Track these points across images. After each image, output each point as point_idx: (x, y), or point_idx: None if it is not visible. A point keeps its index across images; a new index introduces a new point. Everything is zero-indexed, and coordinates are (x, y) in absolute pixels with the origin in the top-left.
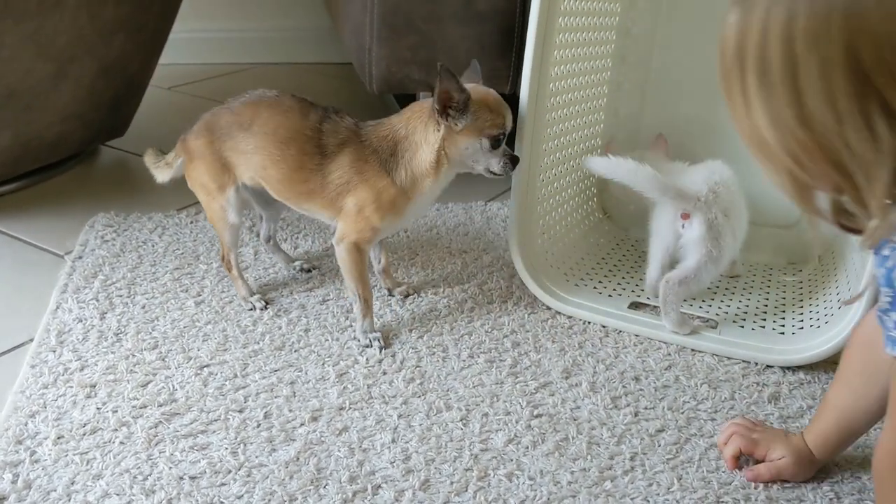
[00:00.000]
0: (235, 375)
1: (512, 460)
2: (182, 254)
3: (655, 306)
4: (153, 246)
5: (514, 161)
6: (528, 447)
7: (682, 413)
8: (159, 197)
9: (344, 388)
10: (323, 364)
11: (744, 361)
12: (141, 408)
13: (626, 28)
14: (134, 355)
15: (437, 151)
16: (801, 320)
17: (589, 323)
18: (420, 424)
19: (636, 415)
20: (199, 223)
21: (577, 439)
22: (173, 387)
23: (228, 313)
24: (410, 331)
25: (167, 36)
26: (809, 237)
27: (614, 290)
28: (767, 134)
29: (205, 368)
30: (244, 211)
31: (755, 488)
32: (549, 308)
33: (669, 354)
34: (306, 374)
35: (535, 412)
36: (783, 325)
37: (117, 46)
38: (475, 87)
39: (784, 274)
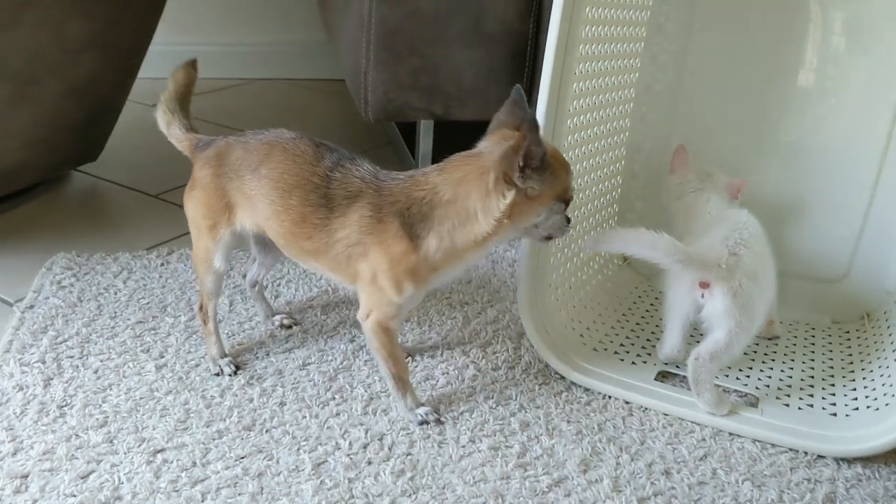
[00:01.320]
0: (194, 464)
1: None
2: (147, 304)
3: (686, 377)
4: (116, 293)
5: (568, 221)
6: None
7: None
8: (129, 231)
9: (321, 482)
10: (298, 449)
11: (791, 450)
12: None
13: (653, 55)
14: (78, 435)
15: (500, 221)
16: (856, 398)
17: (610, 398)
18: None
19: None
20: (171, 265)
21: None
22: (119, 479)
23: (193, 381)
24: (384, 396)
25: (144, 53)
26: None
27: (638, 355)
28: None
29: (158, 454)
30: (235, 252)
31: None
32: (563, 377)
33: (704, 440)
34: (278, 462)
35: None
36: (834, 404)
37: (86, 66)
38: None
39: (829, 335)
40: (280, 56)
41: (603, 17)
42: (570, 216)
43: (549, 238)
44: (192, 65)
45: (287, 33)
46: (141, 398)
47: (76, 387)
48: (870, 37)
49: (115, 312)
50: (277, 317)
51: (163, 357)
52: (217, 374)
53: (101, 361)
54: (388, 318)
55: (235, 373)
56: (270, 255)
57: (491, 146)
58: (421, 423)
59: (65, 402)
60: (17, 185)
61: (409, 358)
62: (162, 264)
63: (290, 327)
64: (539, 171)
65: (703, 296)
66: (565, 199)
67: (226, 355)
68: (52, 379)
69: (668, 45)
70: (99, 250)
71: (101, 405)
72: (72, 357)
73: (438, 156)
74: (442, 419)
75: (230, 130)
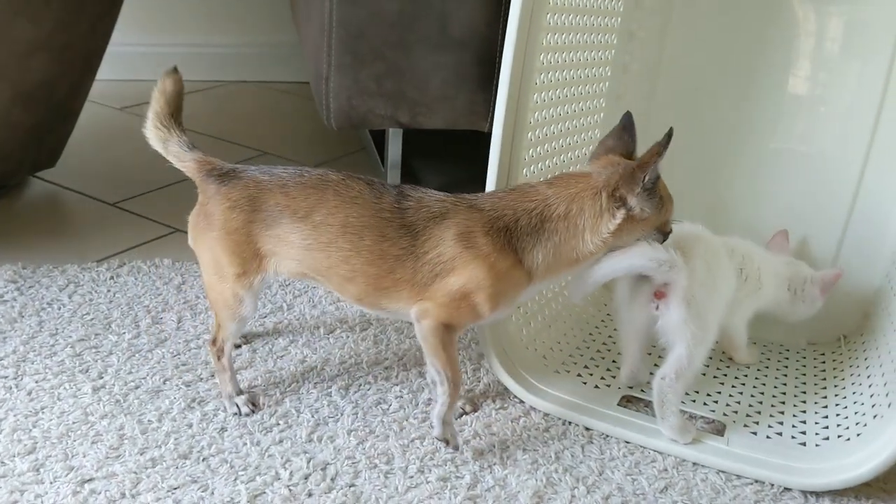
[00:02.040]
0: (123, 495)
1: None
2: (91, 319)
3: (650, 402)
4: (59, 308)
5: None
6: None
7: None
8: (82, 242)
9: None
10: (235, 480)
11: (757, 482)
12: None
13: (624, 64)
14: (3, 463)
15: (605, 240)
16: (827, 426)
17: (570, 423)
18: None
19: None
20: (120, 279)
21: None
22: None
23: (131, 404)
24: (350, 433)
25: (102, 55)
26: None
27: (602, 378)
28: None
29: (86, 484)
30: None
31: None
32: (522, 402)
33: (666, 470)
34: (212, 494)
35: None
36: (804, 433)
37: (37, 69)
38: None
39: (803, 357)
40: (253, 58)
41: (566, 23)
42: None
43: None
44: (176, 71)
45: (259, 35)
46: (74, 422)
47: (7, 409)
48: (858, 42)
49: (57, 329)
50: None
51: (101, 378)
52: (235, 414)
53: (36, 382)
54: (460, 326)
55: (253, 412)
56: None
57: (599, 169)
58: (444, 441)
59: None
60: None
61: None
62: (111, 277)
63: (238, 346)
64: (651, 194)
65: (657, 307)
66: (664, 232)
67: (241, 392)
68: None
69: (639, 54)
70: (48, 261)
71: (30, 430)
72: (6, 377)
73: (408, 165)
74: (456, 448)
75: (202, 135)
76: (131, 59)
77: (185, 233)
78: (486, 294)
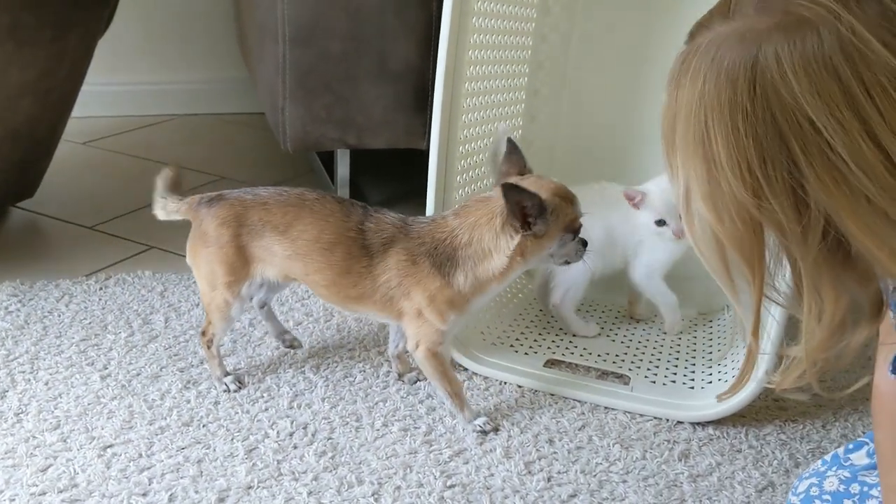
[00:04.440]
0: (140, 455)
1: None
2: (89, 323)
3: (570, 363)
4: (59, 316)
5: (584, 244)
6: None
7: (595, 476)
8: (68, 261)
9: (253, 464)
10: (232, 439)
11: (655, 418)
12: (40, 495)
13: (535, 89)
14: (35, 437)
15: (511, 258)
16: (711, 374)
17: (505, 383)
18: (331, 501)
19: (549, 480)
20: (109, 289)
21: None
22: (74, 470)
23: (135, 387)
24: (323, 400)
25: (76, 95)
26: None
27: (530, 347)
28: (703, 208)
29: (108, 449)
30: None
31: None
32: (465, 369)
33: (583, 413)
34: (214, 451)
35: (449, 482)
36: (693, 380)
37: (24, 111)
38: (536, 181)
39: (695, 324)
40: (205, 93)
41: (486, 57)
42: (582, 238)
43: (567, 262)
44: (177, 168)
45: (211, 71)
46: (89, 404)
47: (30, 397)
48: None
49: (60, 332)
50: (287, 336)
51: (106, 368)
52: (224, 391)
53: (51, 374)
54: (435, 346)
55: (240, 388)
56: (276, 289)
57: (499, 192)
58: (480, 433)
59: (20, 410)
60: None
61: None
62: (101, 289)
63: (296, 347)
64: (539, 215)
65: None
66: (573, 230)
67: (228, 374)
68: (7, 391)
69: (548, 80)
70: (42, 278)
71: (53, 411)
72: (23, 372)
73: (357, 182)
74: (498, 427)
75: (162, 163)
76: (88, 97)
77: (161, 249)
78: (429, 311)
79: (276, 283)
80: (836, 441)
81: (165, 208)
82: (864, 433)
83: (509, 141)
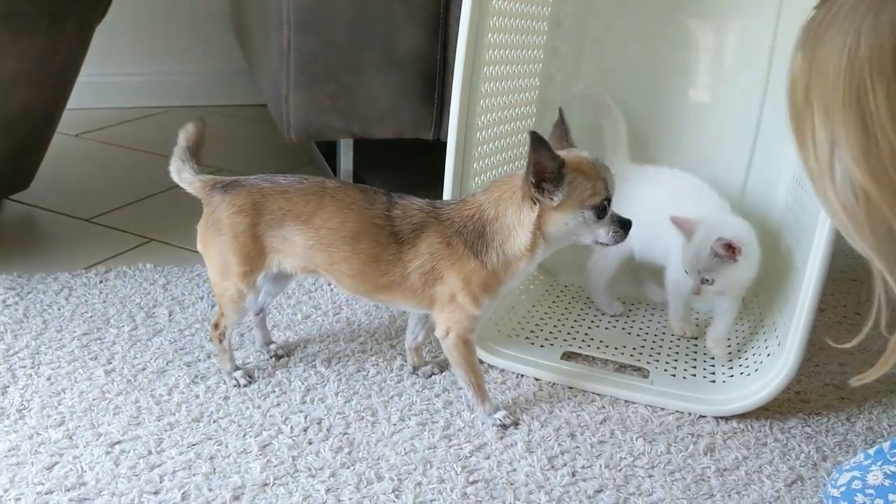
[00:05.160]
0: (150, 452)
1: None
2: (91, 317)
3: (587, 356)
4: (59, 309)
5: (624, 226)
6: None
7: (620, 471)
8: (66, 254)
9: (267, 461)
10: (244, 435)
11: (677, 412)
12: (46, 493)
13: (550, 74)
14: (38, 434)
15: (534, 232)
16: (731, 368)
17: (522, 376)
18: (350, 498)
19: (573, 475)
20: (109, 282)
21: None
22: (82, 468)
23: (141, 382)
24: (337, 394)
25: (72, 85)
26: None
27: (546, 339)
28: (857, 173)
29: (116, 446)
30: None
31: None
32: (481, 362)
33: (604, 407)
34: (226, 447)
35: (471, 478)
36: (713, 373)
37: (18, 100)
38: (566, 154)
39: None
40: (199, 84)
41: (505, 41)
42: (625, 219)
43: (604, 244)
44: (201, 120)
45: (205, 62)
46: (94, 399)
47: (32, 392)
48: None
49: (61, 326)
50: (273, 346)
51: (110, 363)
52: (234, 385)
53: (53, 370)
54: (467, 332)
55: (250, 383)
56: (278, 286)
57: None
58: (500, 426)
59: (23, 406)
60: None
61: (441, 371)
62: (101, 281)
63: (281, 357)
64: (556, 182)
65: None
66: (593, 206)
67: (238, 368)
68: (8, 387)
69: (562, 65)
70: (40, 271)
71: (57, 407)
72: (24, 367)
73: (359, 172)
74: (518, 421)
75: (158, 156)
76: (81, 88)
77: (161, 242)
78: (464, 295)
79: (289, 274)
80: (861, 434)
81: (180, 174)
82: (889, 426)
83: (559, 111)
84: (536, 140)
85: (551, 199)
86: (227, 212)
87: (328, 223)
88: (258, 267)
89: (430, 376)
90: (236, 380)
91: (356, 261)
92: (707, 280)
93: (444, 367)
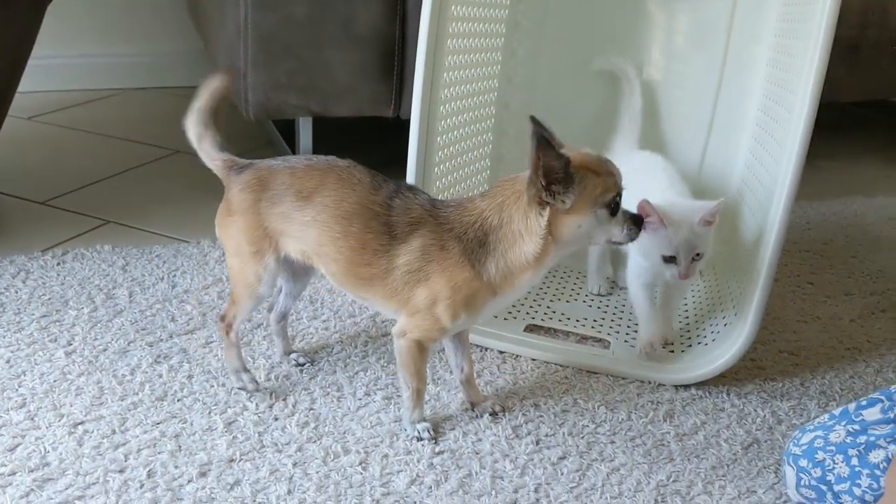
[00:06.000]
0: (113, 432)
1: (415, 502)
2: (49, 299)
3: (550, 328)
4: (17, 292)
5: (637, 222)
6: (431, 487)
7: (583, 438)
8: (22, 237)
9: (233, 437)
10: (209, 413)
11: (638, 381)
12: (10, 475)
13: (512, 48)
14: (0, 416)
15: (544, 239)
16: (689, 338)
17: (486, 349)
18: (317, 472)
19: (538, 443)
20: (67, 264)
21: (481, 474)
22: (45, 449)
23: (103, 363)
24: (302, 371)
25: (25, 64)
26: None
27: (509, 313)
28: None
29: (79, 426)
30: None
31: None
32: None
33: (567, 378)
34: (192, 425)
35: (437, 449)
36: (672, 343)
37: None
38: (567, 152)
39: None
40: (154, 65)
41: (467, 14)
42: (635, 214)
43: (617, 243)
44: (228, 76)
45: (160, 43)
46: (55, 381)
47: None
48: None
49: (19, 309)
50: (294, 354)
51: (71, 345)
52: (240, 388)
53: (12, 352)
54: (429, 341)
55: (257, 389)
56: (299, 283)
57: (525, 173)
58: (415, 438)
59: None
60: None
61: (503, 412)
62: (58, 264)
63: (303, 365)
64: (565, 182)
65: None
66: (606, 204)
67: (246, 370)
68: None
69: (525, 39)
70: None
71: (17, 389)
72: None
73: (319, 153)
74: (437, 440)
75: (113, 138)
76: (33, 71)
77: (118, 223)
78: (444, 305)
79: (299, 265)
80: (815, 398)
81: (200, 142)
82: (841, 390)
83: (532, 119)
84: (540, 139)
85: (563, 201)
86: (235, 189)
87: (325, 199)
88: (266, 248)
89: (495, 415)
90: (243, 381)
91: (344, 244)
92: (698, 256)
93: (505, 407)
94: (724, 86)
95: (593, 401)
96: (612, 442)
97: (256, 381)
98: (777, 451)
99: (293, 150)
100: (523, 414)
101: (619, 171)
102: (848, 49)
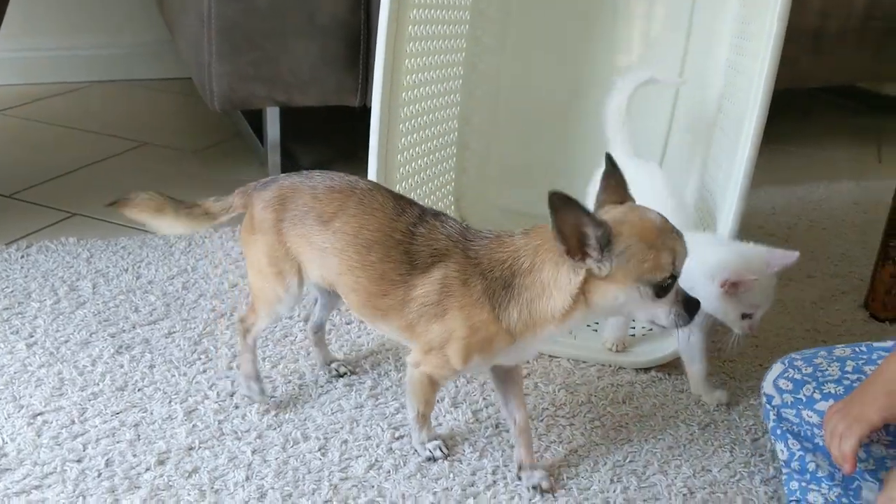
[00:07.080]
0: (73, 422)
1: (373, 487)
2: (11, 292)
3: None
4: None
5: (690, 308)
6: (389, 471)
7: (542, 420)
8: None
9: (193, 426)
10: (170, 402)
11: (599, 364)
12: None
13: (477, 37)
14: None
15: (575, 297)
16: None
17: None
18: (276, 458)
19: (497, 426)
20: (31, 257)
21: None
22: (3, 439)
23: (64, 354)
24: (264, 359)
25: None
26: None
27: None
28: None
29: (38, 417)
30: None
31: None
32: None
33: (528, 363)
34: (152, 414)
35: (396, 434)
36: (633, 328)
37: None
38: (627, 211)
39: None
40: (121, 58)
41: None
42: (691, 298)
43: (661, 326)
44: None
45: (126, 35)
46: (15, 373)
47: None
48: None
49: None
50: (335, 364)
51: (32, 336)
52: (246, 396)
53: None
54: (440, 378)
55: (266, 400)
56: (335, 295)
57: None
58: (427, 459)
59: None
60: None
61: (552, 492)
62: (22, 256)
63: (343, 374)
64: (607, 249)
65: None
66: (654, 284)
67: (258, 379)
68: None
69: (489, 27)
70: None
71: None
72: None
73: (287, 144)
74: (448, 456)
75: (82, 131)
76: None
77: (84, 216)
78: (458, 345)
79: (326, 291)
80: None
81: (215, 226)
82: None
83: (608, 158)
84: (560, 201)
85: (599, 267)
86: (257, 207)
87: (346, 226)
88: (287, 269)
89: (541, 492)
90: (252, 391)
91: (362, 273)
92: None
93: (554, 487)
94: (688, 65)
95: (553, 384)
96: (572, 424)
97: (265, 393)
98: (733, 430)
99: (262, 141)
100: (483, 398)
101: (683, 246)
102: (813, 35)
